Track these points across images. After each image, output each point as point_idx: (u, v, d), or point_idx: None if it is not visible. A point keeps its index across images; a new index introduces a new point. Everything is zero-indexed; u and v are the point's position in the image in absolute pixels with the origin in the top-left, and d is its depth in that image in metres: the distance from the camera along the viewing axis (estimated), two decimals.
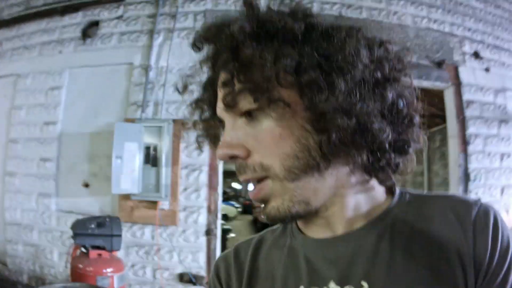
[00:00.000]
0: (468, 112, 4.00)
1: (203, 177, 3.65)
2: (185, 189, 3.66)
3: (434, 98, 3.91)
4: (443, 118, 4.36)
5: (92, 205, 3.85)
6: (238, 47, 0.49)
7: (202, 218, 3.63)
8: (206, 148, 0.62)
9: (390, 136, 0.51)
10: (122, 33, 3.97)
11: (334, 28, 0.51)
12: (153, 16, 3.91)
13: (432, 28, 4.74)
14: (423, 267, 0.50)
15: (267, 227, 0.67)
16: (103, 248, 3.19)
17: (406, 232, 0.53)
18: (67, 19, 4.31)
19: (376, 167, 0.53)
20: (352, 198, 0.54)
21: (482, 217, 0.52)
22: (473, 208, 0.53)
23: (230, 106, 0.49)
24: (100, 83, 3.90)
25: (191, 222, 3.64)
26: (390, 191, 0.59)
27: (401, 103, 0.52)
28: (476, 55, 4.20)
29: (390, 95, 0.51)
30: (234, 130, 0.51)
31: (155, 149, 3.57)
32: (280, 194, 0.50)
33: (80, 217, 3.86)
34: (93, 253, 3.11)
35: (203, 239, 3.63)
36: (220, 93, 0.52)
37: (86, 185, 3.86)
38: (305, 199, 0.50)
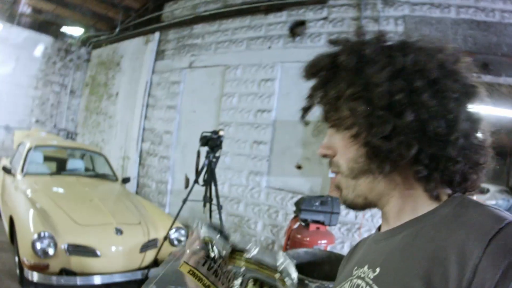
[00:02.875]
0: None
1: None
2: None
3: None
4: None
5: (303, 185, 4.39)
6: (317, 80, 0.68)
7: None
8: None
9: (414, 151, 0.58)
10: (330, 34, 4.34)
11: (374, 63, 0.61)
12: (357, 19, 4.22)
13: None
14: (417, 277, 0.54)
15: None
16: (322, 223, 3.74)
17: (418, 244, 0.57)
18: (272, 17, 4.78)
19: (422, 178, 0.60)
20: (399, 200, 0.64)
21: (502, 241, 0.48)
22: (494, 227, 0.49)
23: (324, 120, 0.69)
24: None
25: None
26: (443, 197, 0.62)
27: (433, 124, 0.57)
28: None
29: (410, 116, 0.57)
30: (328, 137, 0.68)
31: None
32: (345, 187, 0.66)
33: (290, 195, 4.46)
34: (313, 226, 3.65)
35: None
36: None
37: (299, 167, 4.40)
38: (363, 194, 0.65)
